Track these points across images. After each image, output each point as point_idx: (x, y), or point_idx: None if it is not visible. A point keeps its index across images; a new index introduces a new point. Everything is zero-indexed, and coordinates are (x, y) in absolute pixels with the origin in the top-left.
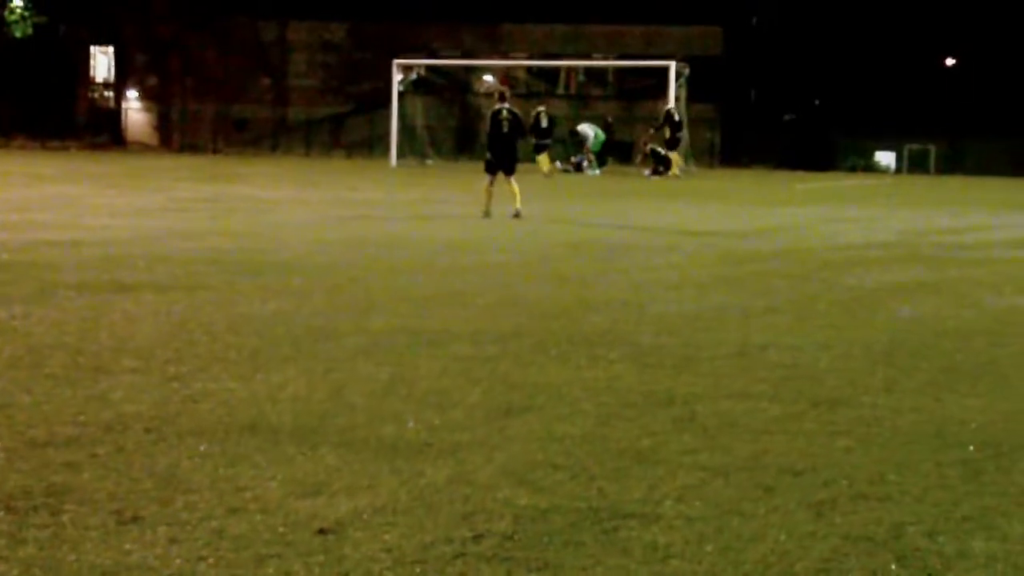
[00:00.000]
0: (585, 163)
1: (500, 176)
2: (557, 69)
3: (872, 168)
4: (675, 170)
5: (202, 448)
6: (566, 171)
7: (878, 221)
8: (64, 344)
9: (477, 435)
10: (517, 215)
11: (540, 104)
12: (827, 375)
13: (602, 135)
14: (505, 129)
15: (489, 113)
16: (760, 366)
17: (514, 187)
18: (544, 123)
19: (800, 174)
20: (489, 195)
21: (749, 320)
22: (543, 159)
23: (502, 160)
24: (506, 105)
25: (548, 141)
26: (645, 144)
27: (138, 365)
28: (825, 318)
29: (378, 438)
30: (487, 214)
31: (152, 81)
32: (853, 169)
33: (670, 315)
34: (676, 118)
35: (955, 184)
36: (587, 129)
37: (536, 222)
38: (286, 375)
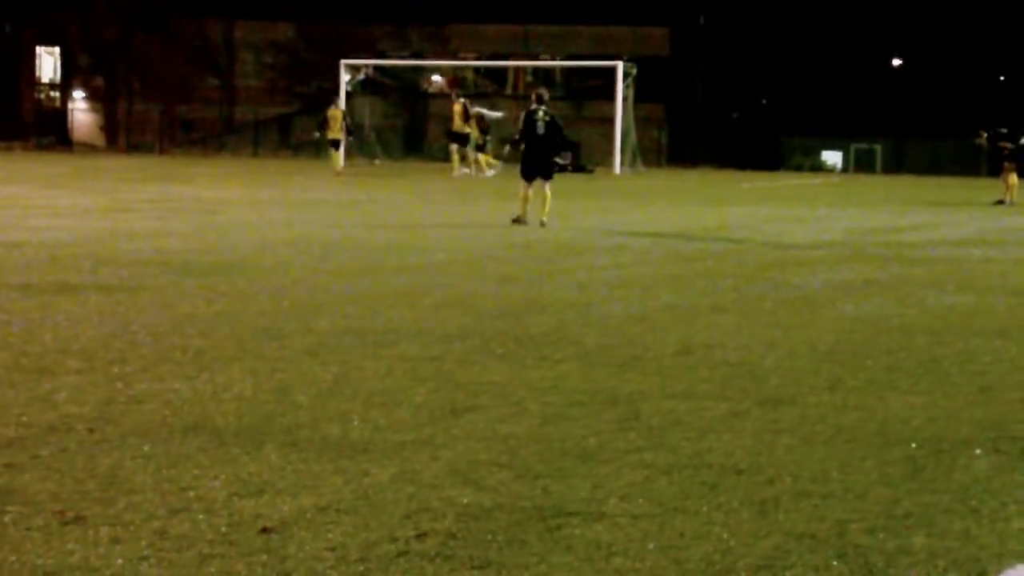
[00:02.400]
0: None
1: (537, 182)
2: (505, 69)
3: (818, 167)
4: (484, 171)
5: (145, 448)
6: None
7: (824, 220)
8: (7, 345)
9: (422, 434)
10: (543, 224)
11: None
12: (772, 374)
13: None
14: (541, 131)
15: (523, 114)
16: (705, 365)
17: (547, 193)
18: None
19: (747, 173)
20: (524, 201)
21: (695, 319)
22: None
23: (537, 164)
24: (543, 107)
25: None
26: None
27: (82, 366)
28: (770, 317)
29: (323, 438)
30: (520, 220)
31: (98, 81)
32: (799, 168)
33: (616, 315)
34: (484, 120)
35: (900, 183)
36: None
37: (481, 221)
38: (231, 375)
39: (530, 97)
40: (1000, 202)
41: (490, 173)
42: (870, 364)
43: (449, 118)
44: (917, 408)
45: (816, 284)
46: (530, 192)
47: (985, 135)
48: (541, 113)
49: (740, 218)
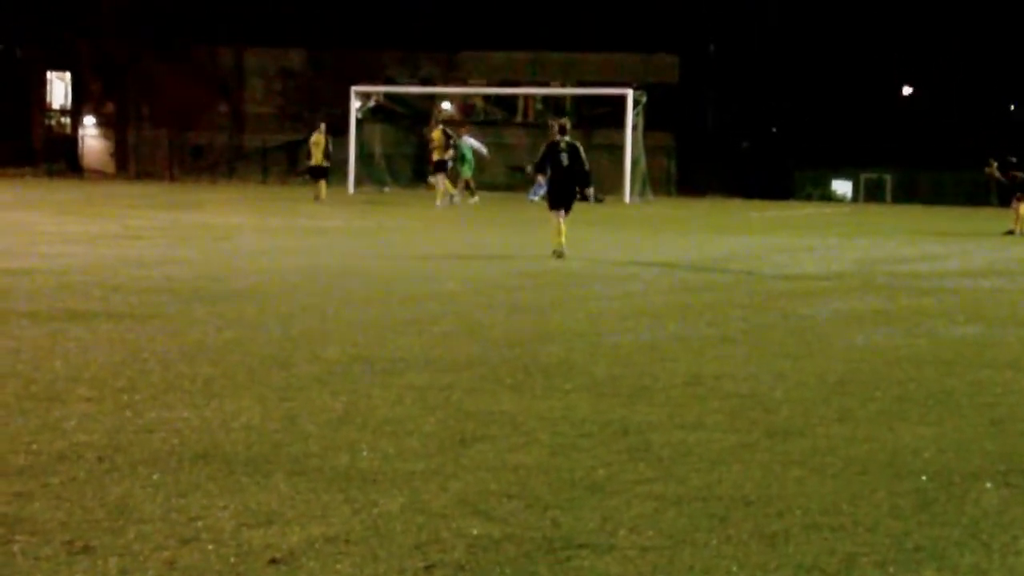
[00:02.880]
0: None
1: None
2: (515, 97)
3: (828, 197)
4: (452, 197)
5: (155, 477)
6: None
7: (833, 250)
8: (17, 373)
9: (431, 464)
10: (560, 255)
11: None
12: (781, 405)
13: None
14: (565, 163)
15: (545, 145)
16: (715, 396)
17: (563, 225)
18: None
19: (756, 203)
20: (559, 232)
21: (704, 350)
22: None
23: (565, 195)
24: (566, 137)
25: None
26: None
27: (91, 394)
28: (780, 348)
29: (332, 467)
30: (560, 254)
31: (108, 108)
32: (809, 198)
33: (625, 345)
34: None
35: (910, 213)
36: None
37: (491, 250)
38: (240, 404)
39: (551, 127)
40: (1010, 232)
41: (449, 201)
42: (880, 395)
43: (429, 146)
44: (927, 440)
45: (825, 315)
46: (562, 222)
47: (995, 165)
48: (563, 144)
49: (750, 248)
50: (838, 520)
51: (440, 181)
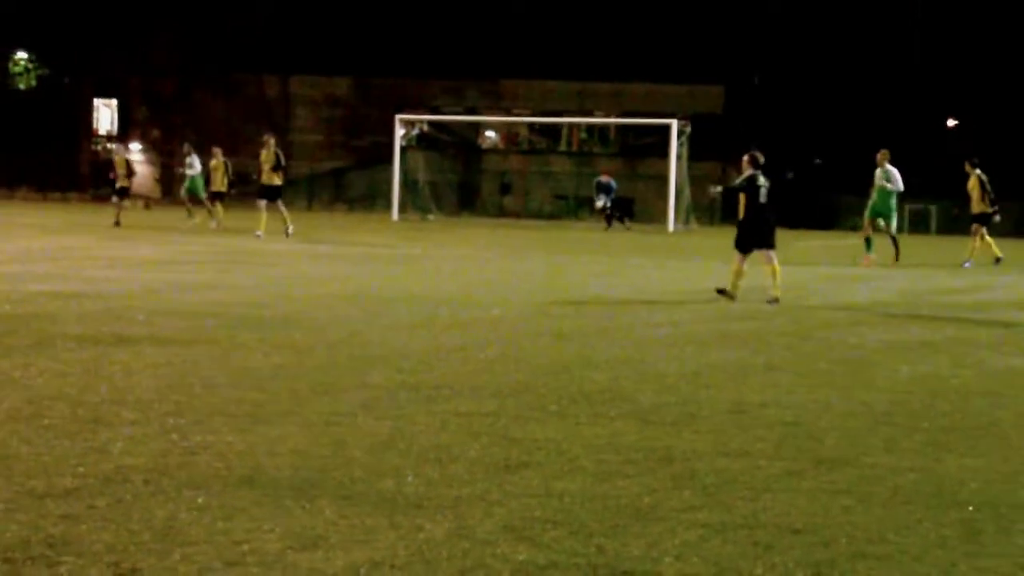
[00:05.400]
0: None
1: (761, 253)
2: (559, 126)
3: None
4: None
5: (200, 501)
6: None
7: (878, 280)
8: (64, 395)
9: (476, 490)
10: (775, 301)
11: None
12: (827, 433)
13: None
14: (764, 200)
15: (744, 180)
16: (760, 424)
17: (775, 265)
18: None
19: (800, 232)
20: (739, 276)
21: (749, 378)
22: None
23: (761, 234)
24: (761, 170)
25: None
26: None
27: (137, 417)
28: (825, 376)
29: (377, 492)
30: (729, 294)
31: (155, 134)
32: (853, 228)
33: (671, 372)
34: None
35: (955, 244)
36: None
37: (534, 278)
38: (285, 429)
39: (742, 159)
40: None
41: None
42: (926, 426)
43: (259, 169)
44: (974, 471)
45: (871, 344)
46: (745, 266)
47: None
48: (762, 179)
49: (794, 277)
50: (884, 550)
51: (263, 207)
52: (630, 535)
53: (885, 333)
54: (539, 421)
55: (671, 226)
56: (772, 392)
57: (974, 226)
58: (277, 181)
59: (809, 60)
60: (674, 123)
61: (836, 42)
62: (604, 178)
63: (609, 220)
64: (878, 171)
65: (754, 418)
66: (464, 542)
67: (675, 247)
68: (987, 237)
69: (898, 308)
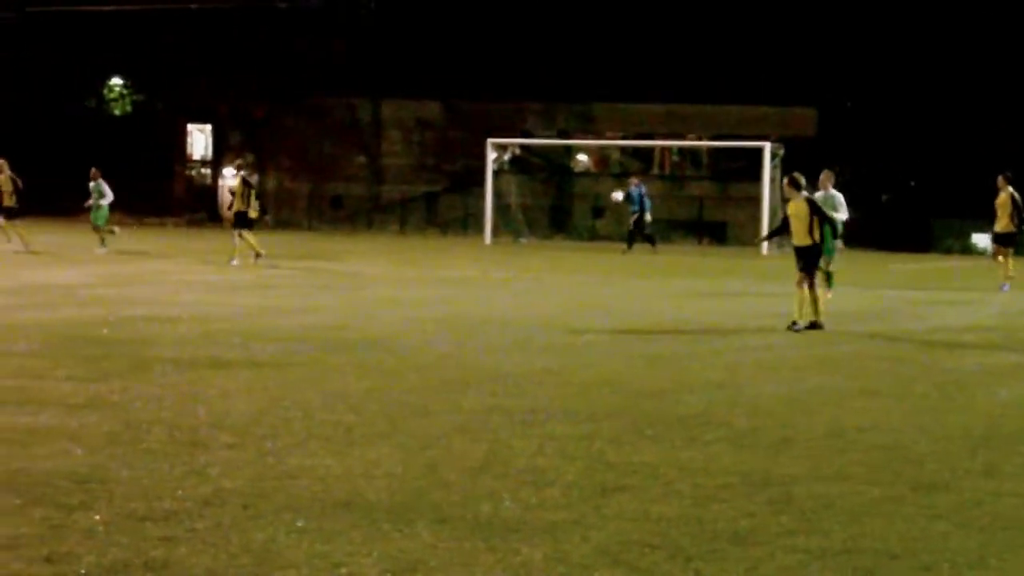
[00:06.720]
0: None
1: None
2: (651, 149)
3: (969, 250)
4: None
5: (298, 524)
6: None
7: (975, 303)
8: (161, 419)
9: (573, 514)
10: (797, 325)
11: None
12: (926, 458)
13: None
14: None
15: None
16: (857, 448)
17: (810, 291)
18: None
19: (896, 255)
20: (812, 300)
21: (845, 402)
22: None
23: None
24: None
25: None
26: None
27: (234, 440)
28: (923, 400)
29: (474, 516)
30: (818, 325)
31: (248, 159)
32: (949, 251)
33: (766, 396)
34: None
35: None
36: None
37: (625, 301)
38: (381, 452)
39: (784, 183)
40: None
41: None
42: None
43: (232, 196)
44: None
45: (969, 368)
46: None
47: None
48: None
49: (890, 300)
50: (986, 574)
51: (237, 235)
52: (729, 560)
53: (982, 357)
54: (634, 445)
55: (764, 250)
56: (869, 416)
57: (994, 247)
58: (246, 209)
59: (903, 82)
60: (767, 146)
61: (929, 65)
62: (634, 186)
63: (631, 239)
64: (819, 194)
65: (851, 442)
66: (561, 566)
67: (768, 271)
68: (1008, 259)
69: (996, 331)
